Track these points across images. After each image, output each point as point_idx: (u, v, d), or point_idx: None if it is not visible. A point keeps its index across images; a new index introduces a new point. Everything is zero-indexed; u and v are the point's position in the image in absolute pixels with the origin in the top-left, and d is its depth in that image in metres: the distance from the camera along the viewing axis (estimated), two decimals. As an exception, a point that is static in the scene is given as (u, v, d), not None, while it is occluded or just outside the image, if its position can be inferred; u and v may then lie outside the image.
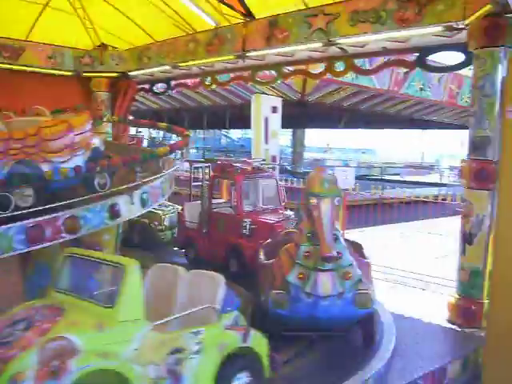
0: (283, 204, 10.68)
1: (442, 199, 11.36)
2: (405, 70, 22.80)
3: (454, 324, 7.73)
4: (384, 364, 6.04)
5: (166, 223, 12.52)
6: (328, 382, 5.61)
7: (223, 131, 51.53)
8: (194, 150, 47.53)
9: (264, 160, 12.55)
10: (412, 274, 10.97)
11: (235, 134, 59.37)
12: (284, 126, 33.84)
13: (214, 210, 10.68)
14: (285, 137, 55.70)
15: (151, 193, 6.95)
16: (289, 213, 10.08)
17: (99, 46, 13.70)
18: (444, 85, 25.83)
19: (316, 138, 59.85)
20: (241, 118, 24.68)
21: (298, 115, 28.57)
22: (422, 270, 10.95)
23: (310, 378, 5.90)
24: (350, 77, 21.02)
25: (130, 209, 6.53)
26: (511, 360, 6.07)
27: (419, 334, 7.39)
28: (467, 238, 7.60)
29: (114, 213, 6.29)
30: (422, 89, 24.83)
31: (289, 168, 33.97)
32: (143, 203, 6.79)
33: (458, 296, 7.76)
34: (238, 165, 10.73)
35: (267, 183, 10.88)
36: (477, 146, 7.47)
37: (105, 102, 14.06)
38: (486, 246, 7.32)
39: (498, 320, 6.25)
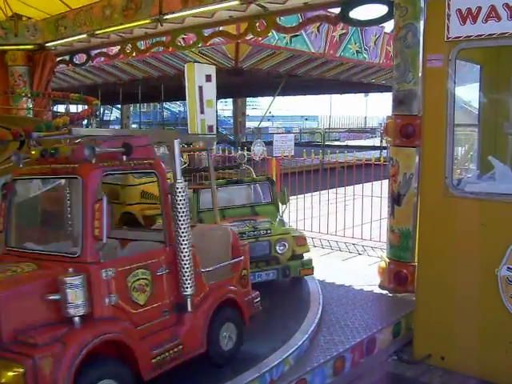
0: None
1: (384, 162, 11.03)
2: (340, 32, 22.98)
3: (385, 289, 7.39)
4: (306, 339, 5.55)
5: None
6: (245, 362, 5.02)
7: (165, 104, 50.60)
8: (135, 125, 46.64)
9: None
10: (349, 239, 10.69)
11: (178, 106, 58.81)
12: (222, 96, 33.28)
13: None
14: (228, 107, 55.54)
15: None
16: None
17: (12, 17, 12.78)
18: (380, 47, 25.65)
19: (259, 107, 59.86)
20: (176, 89, 23.95)
21: (236, 84, 27.98)
22: (360, 234, 10.68)
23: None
24: (284, 40, 20.64)
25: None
26: (440, 322, 5.78)
27: (349, 302, 6.98)
28: (395, 199, 7.23)
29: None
30: (358, 51, 24.60)
31: (231, 138, 33.68)
32: None
33: (388, 260, 7.40)
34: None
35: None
36: (401, 100, 7.05)
37: (23, 77, 13.18)
38: (415, 206, 6.94)
39: (426, 282, 5.92)
